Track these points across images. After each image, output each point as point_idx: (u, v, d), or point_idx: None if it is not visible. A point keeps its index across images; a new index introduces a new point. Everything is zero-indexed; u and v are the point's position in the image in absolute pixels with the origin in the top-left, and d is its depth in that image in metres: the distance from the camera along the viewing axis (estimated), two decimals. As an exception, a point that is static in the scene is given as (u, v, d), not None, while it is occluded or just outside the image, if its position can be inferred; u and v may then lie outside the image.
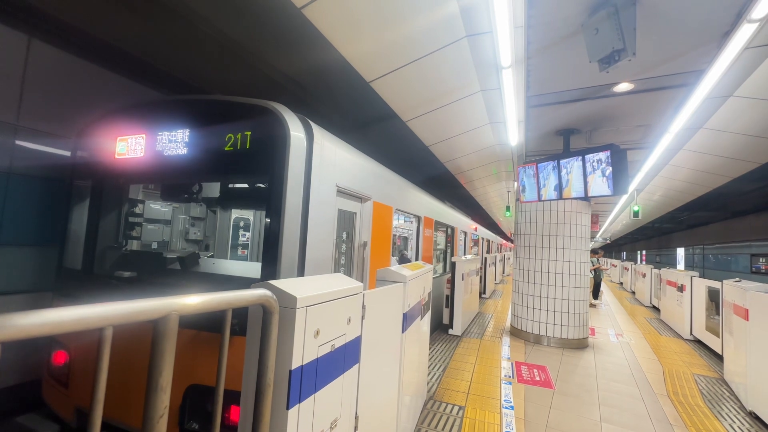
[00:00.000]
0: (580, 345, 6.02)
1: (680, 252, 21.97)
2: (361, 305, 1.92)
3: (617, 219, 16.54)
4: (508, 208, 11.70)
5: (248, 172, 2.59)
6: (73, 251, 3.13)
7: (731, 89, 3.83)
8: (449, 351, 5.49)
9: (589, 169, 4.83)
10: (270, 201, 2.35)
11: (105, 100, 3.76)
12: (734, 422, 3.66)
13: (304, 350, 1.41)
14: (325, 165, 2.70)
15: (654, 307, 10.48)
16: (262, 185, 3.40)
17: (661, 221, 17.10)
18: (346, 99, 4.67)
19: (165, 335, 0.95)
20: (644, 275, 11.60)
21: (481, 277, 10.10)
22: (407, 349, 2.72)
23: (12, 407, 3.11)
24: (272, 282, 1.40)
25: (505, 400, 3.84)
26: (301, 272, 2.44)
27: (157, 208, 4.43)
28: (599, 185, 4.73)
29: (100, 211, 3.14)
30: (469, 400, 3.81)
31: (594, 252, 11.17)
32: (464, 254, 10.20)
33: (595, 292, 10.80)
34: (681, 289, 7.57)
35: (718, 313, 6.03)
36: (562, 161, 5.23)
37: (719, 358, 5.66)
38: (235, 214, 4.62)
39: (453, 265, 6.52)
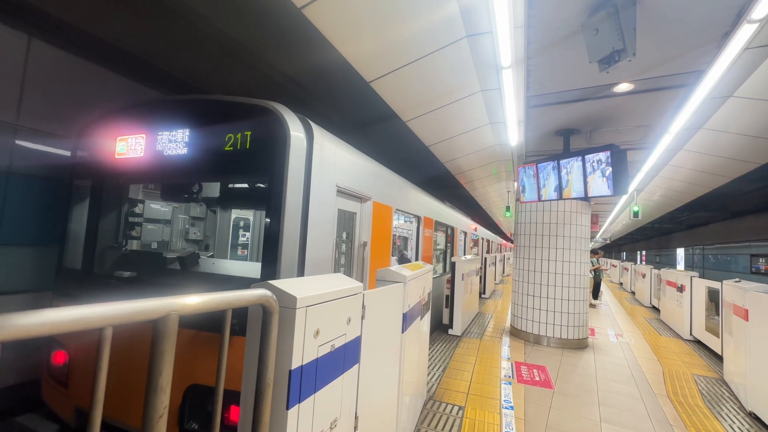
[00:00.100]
0: (579, 345, 6.02)
1: (680, 252, 21.98)
2: (361, 305, 1.92)
3: (617, 219, 16.55)
4: (508, 209, 11.71)
5: (248, 172, 2.58)
6: (73, 251, 3.13)
7: (731, 90, 3.83)
8: (449, 351, 5.49)
9: (589, 169, 4.83)
10: (270, 201, 2.35)
11: (105, 99, 3.76)
12: (734, 422, 3.66)
13: (304, 350, 1.41)
14: (325, 165, 2.70)
15: (654, 307, 10.48)
16: (262, 185, 3.40)
17: (661, 221, 17.11)
18: (346, 99, 4.67)
19: (165, 335, 0.94)
20: (644, 275, 11.60)
21: (480, 277, 10.10)
22: (407, 349, 2.72)
23: (11, 407, 3.11)
24: (272, 282, 1.40)
25: (504, 401, 3.84)
26: (301, 272, 2.44)
27: (157, 207, 4.43)
28: (599, 185, 4.73)
29: (100, 210, 3.14)
30: (469, 400, 3.81)
31: (594, 252, 11.17)
32: (464, 254, 10.20)
33: (595, 293, 10.80)
34: (681, 289, 7.57)
35: (717, 314, 6.03)
36: (562, 161, 5.23)
37: (719, 358, 5.66)
38: (235, 214, 4.62)
39: (453, 265, 6.52)
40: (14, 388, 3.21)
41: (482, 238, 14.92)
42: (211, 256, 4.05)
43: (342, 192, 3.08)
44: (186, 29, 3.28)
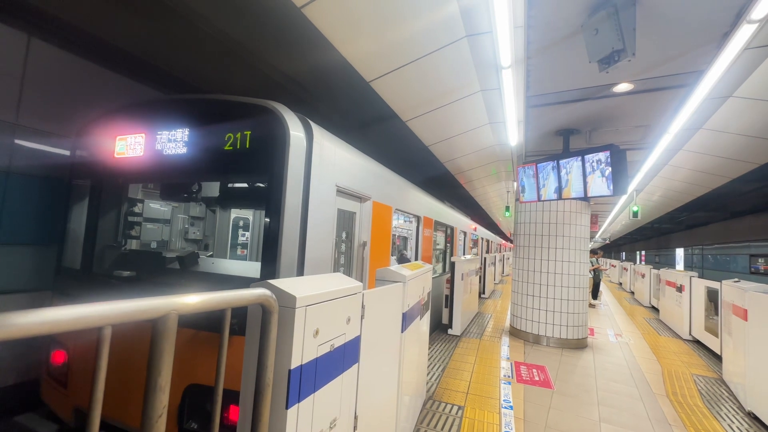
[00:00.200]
0: (579, 345, 6.02)
1: (679, 252, 22.01)
2: (361, 305, 1.92)
3: (616, 219, 16.56)
4: (507, 208, 11.72)
5: (248, 172, 2.58)
6: (73, 250, 3.13)
7: (731, 90, 3.83)
8: (448, 351, 5.49)
9: (588, 169, 4.84)
10: (269, 200, 2.35)
11: (104, 99, 3.76)
12: (733, 422, 3.67)
13: (304, 350, 1.41)
14: (324, 165, 2.70)
15: (653, 307, 10.49)
16: (261, 185, 3.40)
17: (661, 221, 17.12)
18: (345, 99, 4.67)
19: (164, 335, 0.94)
20: (643, 275, 11.61)
21: (480, 277, 10.10)
22: (406, 348, 2.72)
23: (11, 407, 3.11)
24: (271, 281, 1.40)
25: (504, 400, 3.84)
26: (300, 272, 2.44)
27: (157, 207, 4.43)
28: (599, 185, 4.73)
29: (100, 210, 3.13)
30: (469, 400, 3.81)
31: (593, 252, 11.18)
32: (464, 254, 10.20)
33: (595, 293, 10.81)
34: (680, 289, 7.58)
35: (717, 314, 6.04)
36: (562, 161, 5.23)
37: (718, 358, 5.66)
38: (235, 213, 4.62)
39: (452, 265, 6.52)
40: (13, 388, 3.20)
41: (482, 238, 14.93)
42: (211, 256, 4.05)
43: (342, 192, 3.08)
44: (186, 29, 3.28)
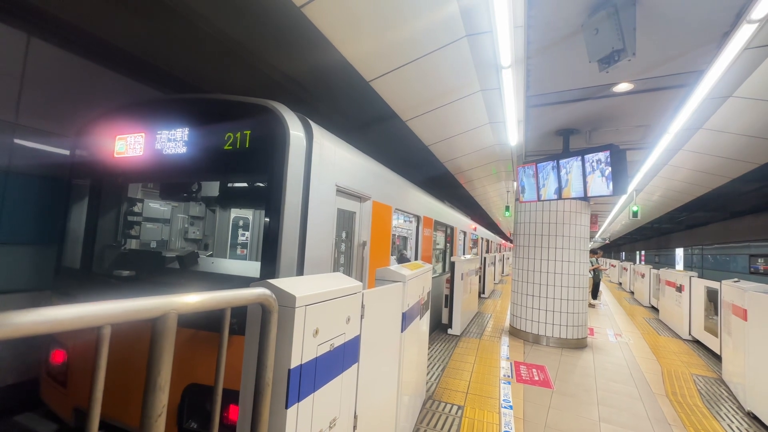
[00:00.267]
0: (578, 345, 6.02)
1: (679, 252, 22.01)
2: (360, 304, 1.92)
3: (616, 219, 16.56)
4: (507, 208, 11.72)
5: (247, 171, 2.58)
6: (72, 250, 3.13)
7: (731, 90, 3.83)
8: (448, 351, 5.49)
9: (588, 169, 4.84)
10: (269, 200, 2.35)
11: (104, 98, 3.75)
12: (733, 422, 3.67)
13: (303, 349, 1.40)
14: (324, 164, 2.70)
15: (653, 307, 10.49)
16: (261, 184, 3.40)
17: (660, 221, 17.13)
18: (345, 98, 4.67)
19: (163, 334, 0.94)
20: (643, 275, 11.61)
21: (480, 276, 10.10)
22: (406, 348, 2.72)
23: (10, 406, 3.10)
24: (271, 281, 1.40)
25: (504, 400, 3.85)
26: (300, 271, 2.44)
27: (156, 207, 4.43)
28: (598, 185, 4.73)
29: (99, 209, 3.13)
30: (468, 400, 3.81)
31: (593, 252, 11.18)
32: (463, 254, 10.20)
33: (594, 292, 10.81)
34: (680, 289, 7.58)
35: (716, 314, 6.04)
36: (562, 161, 5.23)
37: (718, 358, 5.67)
38: (235, 213, 4.62)
39: (452, 264, 6.52)
40: (13, 388, 3.20)
41: (481, 238, 14.93)
42: (210, 255, 4.05)
43: (341, 191, 3.08)
44: (186, 29, 3.28)
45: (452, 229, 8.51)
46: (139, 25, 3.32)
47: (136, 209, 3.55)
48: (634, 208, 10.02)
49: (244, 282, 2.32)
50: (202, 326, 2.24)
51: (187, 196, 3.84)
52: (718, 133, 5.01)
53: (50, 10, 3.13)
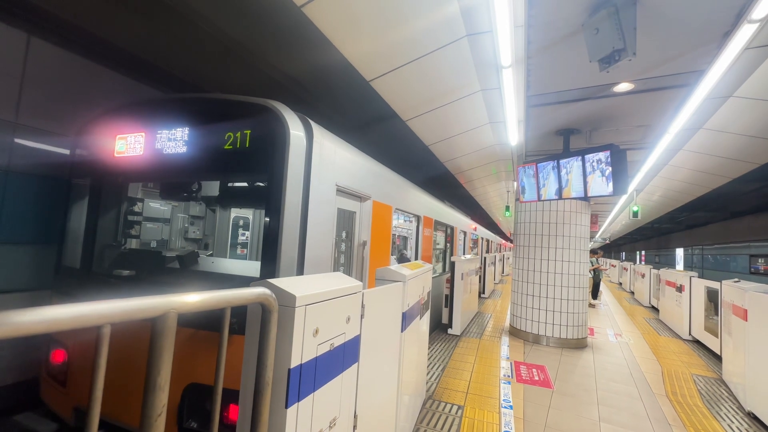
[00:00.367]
0: (579, 345, 6.02)
1: (679, 252, 22.01)
2: (361, 304, 1.91)
3: (616, 219, 16.56)
4: (507, 208, 11.72)
5: (248, 171, 2.58)
6: (72, 249, 3.13)
7: (731, 90, 3.83)
8: (448, 350, 5.49)
9: (588, 169, 4.83)
10: (269, 200, 2.35)
11: (104, 98, 3.75)
12: (733, 422, 3.67)
13: (303, 349, 1.40)
14: (324, 164, 2.70)
15: (653, 307, 10.49)
16: (261, 184, 3.40)
17: (661, 221, 17.13)
18: (345, 98, 4.67)
19: (163, 333, 0.94)
20: (643, 275, 11.61)
21: (480, 276, 10.10)
22: (406, 348, 2.72)
23: (10, 406, 3.11)
24: (271, 280, 1.40)
25: (504, 400, 3.84)
26: (300, 271, 2.44)
27: (157, 206, 4.43)
28: (599, 185, 4.73)
29: (99, 209, 3.13)
30: (468, 400, 3.81)
31: (593, 252, 11.18)
32: (463, 254, 10.20)
33: (594, 292, 10.81)
34: (680, 289, 7.58)
35: (716, 314, 6.03)
36: (562, 161, 5.23)
37: (718, 358, 5.67)
38: (235, 212, 4.62)
39: (452, 264, 6.52)
40: (13, 387, 3.20)
41: (482, 238, 14.93)
42: (211, 255, 4.05)
43: (341, 191, 3.08)
44: (186, 29, 3.27)
45: (452, 229, 8.50)
46: (139, 25, 3.31)
47: (136, 209, 3.55)
48: (635, 208, 10.02)
49: (244, 281, 2.32)
50: (202, 326, 2.24)
51: (188, 195, 3.84)
52: (718, 133, 5.01)
53: (50, 9, 3.12)
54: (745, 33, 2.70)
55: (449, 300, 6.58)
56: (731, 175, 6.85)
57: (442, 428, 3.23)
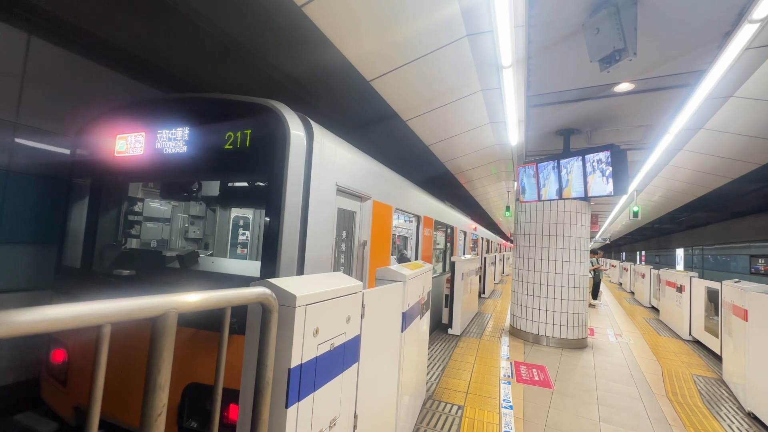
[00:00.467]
0: (579, 345, 6.02)
1: (679, 252, 22.00)
2: (361, 304, 1.91)
3: (617, 219, 16.55)
4: (507, 208, 11.71)
5: (248, 171, 2.58)
6: (72, 249, 3.13)
7: (732, 90, 3.83)
8: (448, 350, 5.49)
9: (589, 169, 4.83)
10: (269, 199, 2.35)
11: (104, 98, 3.75)
12: (733, 422, 3.67)
13: (303, 349, 1.40)
14: (324, 164, 2.70)
15: (653, 307, 10.49)
16: (261, 184, 3.40)
17: (661, 222, 17.12)
18: (346, 98, 4.66)
19: (163, 333, 0.94)
20: (643, 276, 11.61)
21: (480, 276, 10.10)
22: (406, 348, 2.72)
23: (10, 405, 3.11)
24: (271, 280, 1.40)
25: (504, 400, 3.84)
26: (300, 271, 2.44)
27: (157, 206, 4.43)
28: (599, 185, 4.73)
29: (100, 209, 3.13)
30: (468, 400, 3.81)
31: (593, 252, 11.17)
32: (464, 254, 10.20)
33: (595, 293, 10.80)
34: (680, 289, 7.57)
35: (717, 314, 6.03)
36: (562, 161, 5.23)
37: (718, 358, 5.66)
38: (235, 212, 4.62)
39: (452, 264, 6.52)
40: (13, 387, 3.20)
41: (482, 238, 14.93)
42: (211, 255, 4.05)
43: (342, 191, 3.08)
44: (186, 28, 3.27)
45: (452, 229, 8.50)
46: (139, 25, 3.31)
47: (136, 208, 3.55)
48: (635, 209, 10.01)
49: (245, 281, 2.32)
50: (203, 325, 2.24)
51: (188, 195, 3.84)
52: (718, 133, 5.01)
53: (50, 9, 3.12)
54: (745, 33, 2.70)
55: (449, 300, 6.57)
56: (732, 176, 6.85)
57: (442, 428, 3.23)
